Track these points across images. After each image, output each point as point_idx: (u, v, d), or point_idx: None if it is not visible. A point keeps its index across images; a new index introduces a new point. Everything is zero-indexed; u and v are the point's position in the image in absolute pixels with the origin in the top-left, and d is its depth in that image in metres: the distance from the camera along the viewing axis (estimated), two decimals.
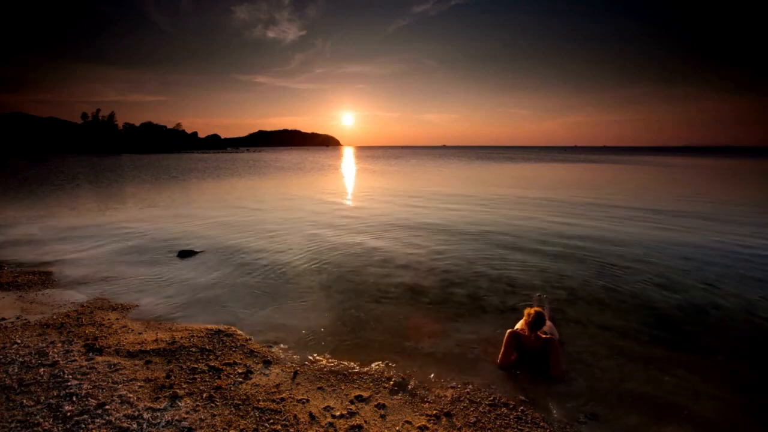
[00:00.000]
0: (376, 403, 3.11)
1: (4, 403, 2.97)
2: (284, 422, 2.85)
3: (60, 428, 2.71)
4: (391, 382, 3.40)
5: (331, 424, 2.85)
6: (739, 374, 3.63)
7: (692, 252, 7.64)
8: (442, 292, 5.60)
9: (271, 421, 2.86)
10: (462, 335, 4.32)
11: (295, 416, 2.92)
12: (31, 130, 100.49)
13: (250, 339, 4.18)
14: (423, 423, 2.88)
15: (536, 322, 3.58)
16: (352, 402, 3.12)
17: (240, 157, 70.45)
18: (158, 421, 2.82)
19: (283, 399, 3.13)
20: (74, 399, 3.03)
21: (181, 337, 4.14)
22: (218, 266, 6.87)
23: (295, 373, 3.52)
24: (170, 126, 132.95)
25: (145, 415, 2.86)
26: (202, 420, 2.84)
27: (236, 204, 14.68)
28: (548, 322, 4.11)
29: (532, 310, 3.64)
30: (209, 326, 4.46)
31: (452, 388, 3.33)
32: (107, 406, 2.95)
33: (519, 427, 2.85)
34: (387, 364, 3.69)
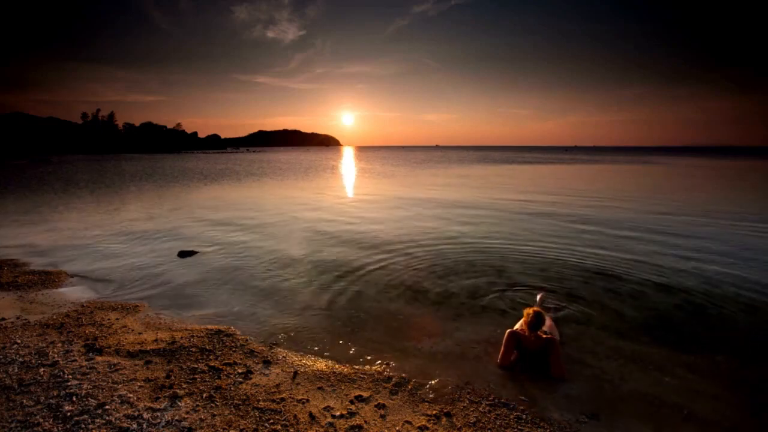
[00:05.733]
0: (376, 403, 3.11)
1: (4, 403, 2.97)
2: (284, 422, 2.85)
3: (60, 428, 2.71)
4: (391, 382, 3.40)
5: (331, 424, 2.85)
6: (739, 374, 3.63)
7: (692, 251, 7.64)
8: (442, 292, 5.60)
9: (271, 421, 2.86)
10: (462, 335, 4.32)
11: (295, 416, 2.92)
12: (31, 130, 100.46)
13: (250, 339, 4.18)
14: (423, 423, 2.88)
15: (535, 322, 3.58)
16: (352, 402, 3.12)
17: (240, 157, 70.43)
18: (158, 421, 2.82)
19: (283, 399, 3.13)
20: (74, 399, 3.03)
21: (181, 337, 4.14)
22: (218, 266, 6.87)
23: (295, 373, 3.52)
24: (170, 126, 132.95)
25: (145, 415, 2.86)
26: (202, 420, 2.84)
27: (236, 204, 14.68)
28: (549, 322, 4.11)
29: (531, 310, 3.64)
30: (209, 326, 4.46)
31: (452, 388, 3.33)
32: (107, 406, 2.95)
33: (519, 427, 2.85)
34: (387, 364, 3.70)
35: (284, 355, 3.86)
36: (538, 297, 5.19)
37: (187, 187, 20.94)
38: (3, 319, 4.58)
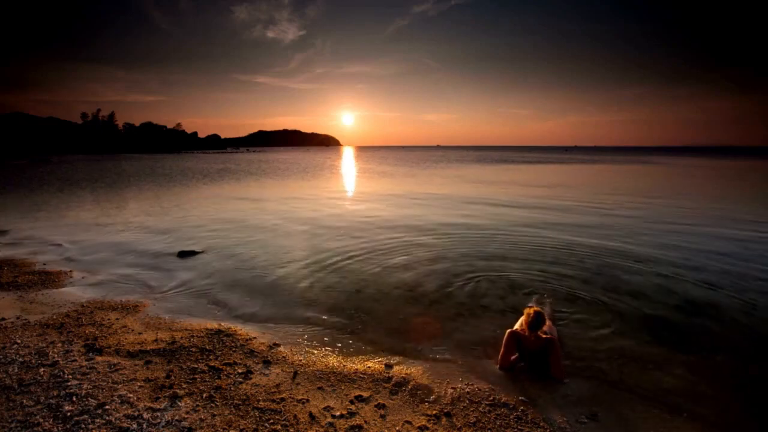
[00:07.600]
0: (376, 403, 3.11)
1: (4, 403, 2.97)
2: (284, 422, 2.85)
3: (60, 428, 2.71)
4: (391, 382, 3.40)
5: (331, 424, 2.85)
6: (739, 374, 3.63)
7: (692, 251, 7.64)
8: (442, 292, 5.60)
9: (271, 421, 2.86)
10: (462, 335, 4.32)
11: (295, 416, 2.92)
12: (31, 130, 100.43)
13: (250, 339, 4.18)
14: (423, 423, 2.87)
15: (536, 322, 3.57)
16: (352, 402, 3.12)
17: (240, 157, 70.40)
18: (158, 421, 2.81)
19: (283, 399, 3.13)
20: (74, 399, 3.03)
21: (181, 337, 4.14)
22: (218, 266, 6.87)
23: (295, 373, 3.52)
24: (170, 126, 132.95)
25: (145, 415, 2.86)
26: (202, 420, 2.84)
27: (236, 203, 14.68)
28: (548, 322, 4.11)
29: (532, 310, 3.63)
30: (209, 326, 4.46)
31: (452, 388, 3.33)
32: (107, 406, 2.95)
33: (519, 427, 2.85)
34: (387, 364, 3.69)
35: (284, 355, 3.86)
36: (535, 298, 5.19)
37: (187, 187, 20.94)
38: (3, 319, 4.58)
